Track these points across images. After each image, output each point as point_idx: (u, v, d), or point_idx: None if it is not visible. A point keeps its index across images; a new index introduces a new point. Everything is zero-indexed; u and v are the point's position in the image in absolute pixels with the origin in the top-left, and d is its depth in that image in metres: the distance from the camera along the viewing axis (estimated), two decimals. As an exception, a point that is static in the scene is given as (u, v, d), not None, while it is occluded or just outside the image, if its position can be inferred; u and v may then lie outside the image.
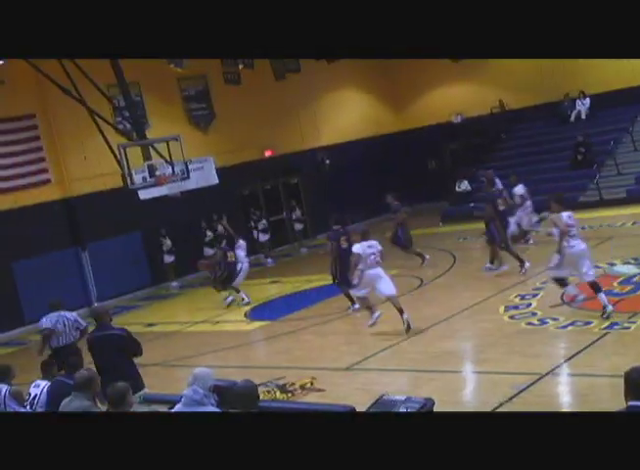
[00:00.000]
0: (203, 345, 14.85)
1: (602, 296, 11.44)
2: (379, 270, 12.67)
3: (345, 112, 28.86)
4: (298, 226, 25.77)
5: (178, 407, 6.57)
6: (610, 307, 11.26)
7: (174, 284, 22.07)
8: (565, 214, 11.74)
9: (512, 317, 12.31)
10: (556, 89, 25.87)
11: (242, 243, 18.73)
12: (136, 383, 9.01)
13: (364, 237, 12.87)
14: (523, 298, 13.30)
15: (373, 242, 12.79)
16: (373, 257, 12.55)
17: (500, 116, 27.69)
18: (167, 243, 22.23)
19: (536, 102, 26.46)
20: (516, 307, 12.80)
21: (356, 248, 12.80)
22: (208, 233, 22.45)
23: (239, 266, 17.90)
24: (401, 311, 12.47)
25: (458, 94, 28.64)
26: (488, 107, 27.74)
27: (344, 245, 14.42)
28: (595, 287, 11.55)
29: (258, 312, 16.62)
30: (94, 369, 8.28)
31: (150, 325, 17.41)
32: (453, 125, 28.69)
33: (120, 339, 9.19)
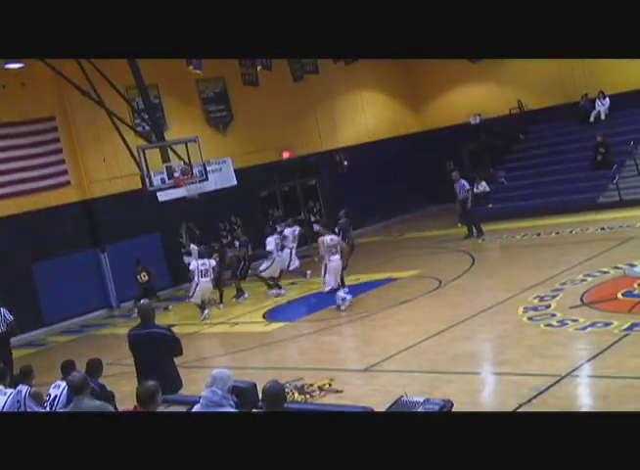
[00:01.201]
0: (221, 346, 14.91)
1: (339, 294, 15.19)
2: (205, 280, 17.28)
3: (363, 113, 28.87)
4: (317, 227, 25.61)
5: (197, 408, 6.58)
6: (347, 298, 15.22)
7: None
8: (328, 237, 15.33)
9: (531, 318, 12.24)
10: (575, 89, 25.73)
11: (193, 247, 19.53)
12: (175, 382, 9.07)
13: (200, 256, 17.83)
14: (542, 299, 13.23)
15: (205, 260, 17.41)
16: (204, 270, 17.21)
17: (519, 116, 27.57)
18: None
19: (555, 102, 26.32)
20: (535, 309, 12.72)
21: (192, 265, 17.62)
22: (227, 235, 22.53)
23: (193, 284, 17.71)
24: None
25: (476, 95, 28.57)
26: (507, 107, 27.63)
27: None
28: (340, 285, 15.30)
29: (277, 313, 16.63)
30: (82, 372, 8.22)
31: (169, 326, 17.43)
32: (472, 126, 28.61)
33: (163, 338, 9.11)
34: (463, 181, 22.26)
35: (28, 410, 9.33)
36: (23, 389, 9.20)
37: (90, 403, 7.27)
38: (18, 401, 9.20)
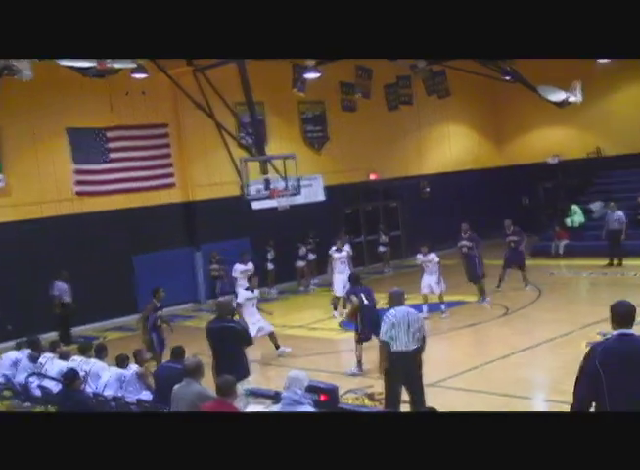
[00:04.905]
0: (296, 348, 15.00)
1: None
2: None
3: (449, 144, 28.89)
4: (382, 249, 25.45)
5: (279, 406, 6.75)
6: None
7: (273, 290, 22.40)
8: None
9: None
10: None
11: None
12: (245, 370, 9.72)
13: None
14: (604, 335, 12.97)
15: None
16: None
17: (595, 160, 27.13)
18: (272, 252, 22.60)
19: (633, 151, 25.79)
20: (597, 344, 12.50)
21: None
22: (302, 247, 22.80)
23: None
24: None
25: (557, 136, 28.22)
26: (585, 151, 27.25)
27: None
28: None
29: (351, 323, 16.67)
30: (199, 358, 8.59)
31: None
32: (549, 166, 28.24)
33: (234, 330, 9.64)
34: (620, 213, 21.28)
35: (131, 388, 9.74)
36: (133, 366, 9.61)
37: (196, 387, 7.60)
38: (124, 377, 9.63)
